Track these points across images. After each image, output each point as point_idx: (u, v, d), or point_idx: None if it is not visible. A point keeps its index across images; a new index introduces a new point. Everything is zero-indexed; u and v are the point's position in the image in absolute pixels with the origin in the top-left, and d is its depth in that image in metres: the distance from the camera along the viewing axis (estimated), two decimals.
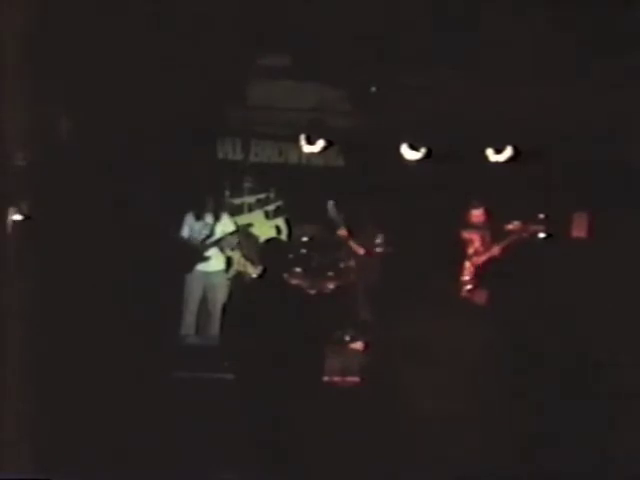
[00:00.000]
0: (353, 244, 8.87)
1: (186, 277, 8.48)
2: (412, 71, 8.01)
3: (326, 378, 6.11)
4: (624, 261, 8.06)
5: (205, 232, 8.50)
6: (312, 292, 8.54)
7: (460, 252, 8.33)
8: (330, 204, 8.92)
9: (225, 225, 8.65)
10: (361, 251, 8.82)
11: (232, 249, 8.94)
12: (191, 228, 8.54)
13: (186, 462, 5.63)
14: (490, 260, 8.25)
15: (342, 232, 8.88)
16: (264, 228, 9.71)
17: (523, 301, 7.71)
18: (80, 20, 6.72)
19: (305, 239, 9.27)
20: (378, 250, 8.74)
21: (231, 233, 8.64)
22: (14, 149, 5.26)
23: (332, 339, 7.63)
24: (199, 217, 8.56)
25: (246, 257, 9.35)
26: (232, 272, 9.28)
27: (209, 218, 8.58)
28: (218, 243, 8.52)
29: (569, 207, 8.99)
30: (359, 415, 6.19)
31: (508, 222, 8.31)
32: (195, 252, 8.45)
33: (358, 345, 7.94)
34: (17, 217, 7.10)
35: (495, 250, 8.23)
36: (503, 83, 7.82)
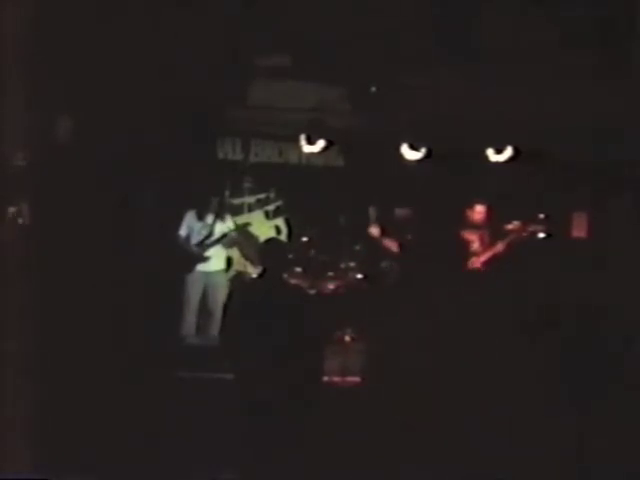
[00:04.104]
0: (388, 242, 8.68)
1: (187, 277, 8.46)
2: (412, 71, 8.02)
3: (326, 378, 6.11)
4: (624, 261, 8.06)
5: (204, 232, 8.46)
6: (312, 292, 8.52)
7: (460, 252, 8.32)
8: (372, 209, 8.77)
9: (226, 224, 8.61)
10: (395, 248, 8.64)
11: (232, 247, 8.88)
12: (190, 228, 8.50)
13: (186, 462, 5.63)
14: (494, 257, 8.21)
15: (375, 231, 8.69)
16: (264, 228, 9.70)
17: (523, 301, 7.71)
18: (80, 20, 6.73)
19: (305, 239, 9.26)
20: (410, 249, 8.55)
21: (232, 230, 8.59)
22: (14, 149, 5.26)
23: (332, 339, 7.63)
24: (200, 217, 8.51)
25: (246, 257, 9.35)
26: (232, 272, 9.27)
27: (209, 218, 8.52)
28: (218, 242, 8.47)
29: (569, 207, 8.99)
30: (359, 415, 6.20)
31: (508, 222, 8.30)
32: (194, 252, 8.41)
33: (357, 346, 7.90)
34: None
35: (499, 246, 8.18)
36: (503, 83, 7.83)
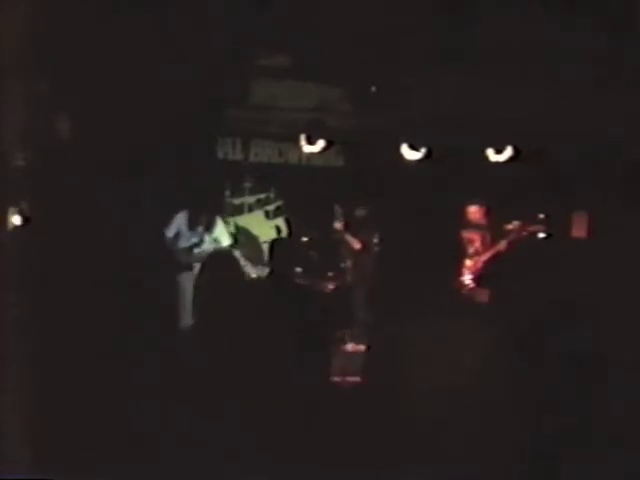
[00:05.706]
0: (349, 237, 8.85)
1: (177, 276, 8.38)
2: (412, 71, 8.02)
3: (326, 378, 6.10)
4: (624, 261, 8.05)
5: (194, 240, 8.33)
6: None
7: (460, 252, 8.33)
8: (336, 207, 8.93)
9: (219, 233, 8.41)
10: (357, 245, 8.80)
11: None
12: (179, 230, 8.35)
13: (186, 462, 5.63)
14: (496, 255, 8.22)
15: (338, 225, 8.87)
16: (264, 228, 9.71)
17: (523, 301, 7.70)
18: (80, 20, 6.72)
19: (305, 239, 9.27)
20: (375, 249, 8.73)
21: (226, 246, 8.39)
22: (14, 149, 5.26)
23: (332, 339, 7.63)
24: (192, 222, 8.35)
25: (246, 257, 9.34)
26: None
27: (201, 226, 8.34)
28: (208, 254, 8.30)
29: (569, 207, 9.00)
30: (359, 415, 6.19)
31: (508, 222, 8.31)
32: (180, 257, 8.27)
33: (357, 347, 7.92)
34: (16, 219, 7.09)
35: (502, 245, 8.20)
36: (503, 83, 7.83)
